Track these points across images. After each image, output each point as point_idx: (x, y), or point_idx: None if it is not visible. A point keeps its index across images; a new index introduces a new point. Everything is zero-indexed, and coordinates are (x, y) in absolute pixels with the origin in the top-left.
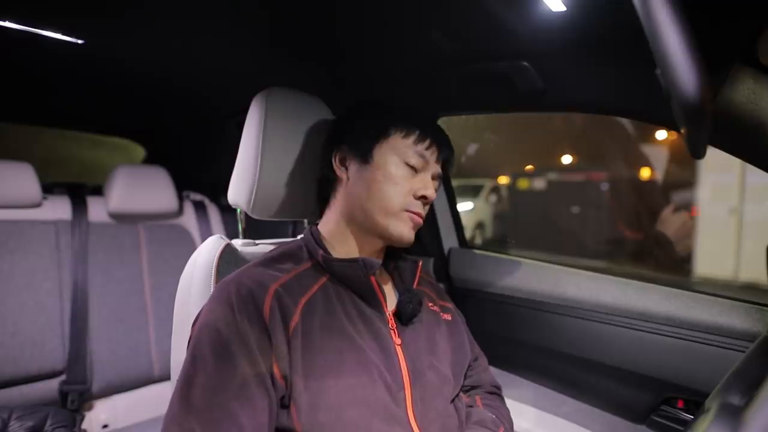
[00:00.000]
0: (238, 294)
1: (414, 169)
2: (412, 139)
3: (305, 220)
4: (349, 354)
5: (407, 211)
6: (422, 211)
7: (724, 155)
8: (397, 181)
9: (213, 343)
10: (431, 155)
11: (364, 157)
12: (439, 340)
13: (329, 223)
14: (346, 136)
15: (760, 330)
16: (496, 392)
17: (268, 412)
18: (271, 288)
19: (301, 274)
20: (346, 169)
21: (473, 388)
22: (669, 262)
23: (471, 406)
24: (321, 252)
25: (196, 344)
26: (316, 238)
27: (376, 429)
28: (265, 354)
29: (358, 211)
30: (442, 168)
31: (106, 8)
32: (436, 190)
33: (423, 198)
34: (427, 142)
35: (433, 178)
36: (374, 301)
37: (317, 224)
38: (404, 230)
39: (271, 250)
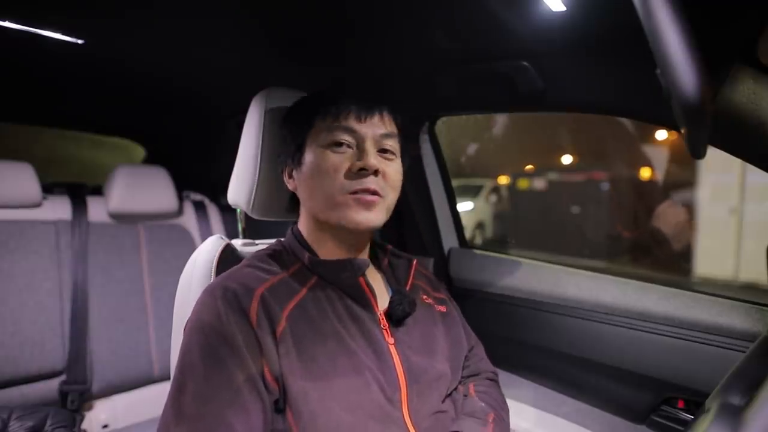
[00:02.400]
0: (224, 297)
1: (348, 147)
2: (331, 115)
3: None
4: (341, 358)
5: (352, 193)
6: (372, 185)
7: (724, 155)
8: (330, 167)
9: (201, 350)
10: (357, 119)
11: (298, 161)
12: (434, 335)
13: (305, 226)
14: (283, 149)
15: (760, 330)
16: (492, 378)
17: (261, 416)
18: (257, 292)
19: (289, 276)
20: (293, 178)
21: (470, 376)
22: (666, 260)
23: (465, 395)
24: (307, 255)
25: (185, 351)
26: (300, 240)
27: (371, 431)
28: (255, 356)
29: (313, 213)
30: (399, 130)
31: (107, 8)
32: (394, 154)
33: (363, 170)
34: (347, 109)
35: (377, 143)
36: (364, 301)
37: (297, 223)
38: (356, 215)
39: (259, 251)
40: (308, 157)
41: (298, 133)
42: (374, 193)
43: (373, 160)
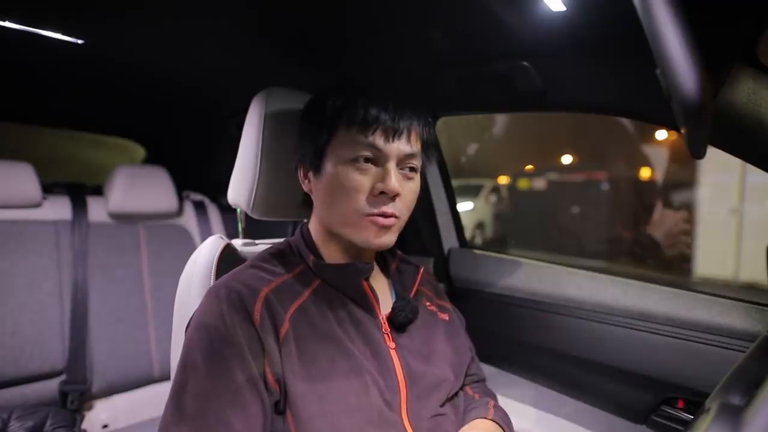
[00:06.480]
0: (228, 298)
1: (372, 162)
2: (356, 127)
3: (305, 220)
4: (341, 361)
5: (369, 215)
6: (390, 208)
7: (724, 155)
8: (351, 186)
9: (203, 349)
10: (384, 137)
11: (317, 167)
12: (436, 341)
13: (314, 228)
14: (301, 146)
15: (760, 330)
16: (482, 379)
17: (261, 417)
18: (262, 292)
19: (293, 278)
20: (309, 180)
21: (472, 383)
22: (666, 261)
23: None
24: (312, 257)
25: (187, 350)
26: (307, 241)
27: None
28: (257, 357)
29: (325, 222)
30: (423, 145)
31: (107, 8)
32: (415, 171)
33: (383, 194)
34: (374, 124)
35: (401, 162)
36: (367, 305)
37: (307, 222)
38: (369, 237)
39: (263, 251)
40: (329, 167)
41: (318, 136)
42: (391, 215)
43: (395, 183)
